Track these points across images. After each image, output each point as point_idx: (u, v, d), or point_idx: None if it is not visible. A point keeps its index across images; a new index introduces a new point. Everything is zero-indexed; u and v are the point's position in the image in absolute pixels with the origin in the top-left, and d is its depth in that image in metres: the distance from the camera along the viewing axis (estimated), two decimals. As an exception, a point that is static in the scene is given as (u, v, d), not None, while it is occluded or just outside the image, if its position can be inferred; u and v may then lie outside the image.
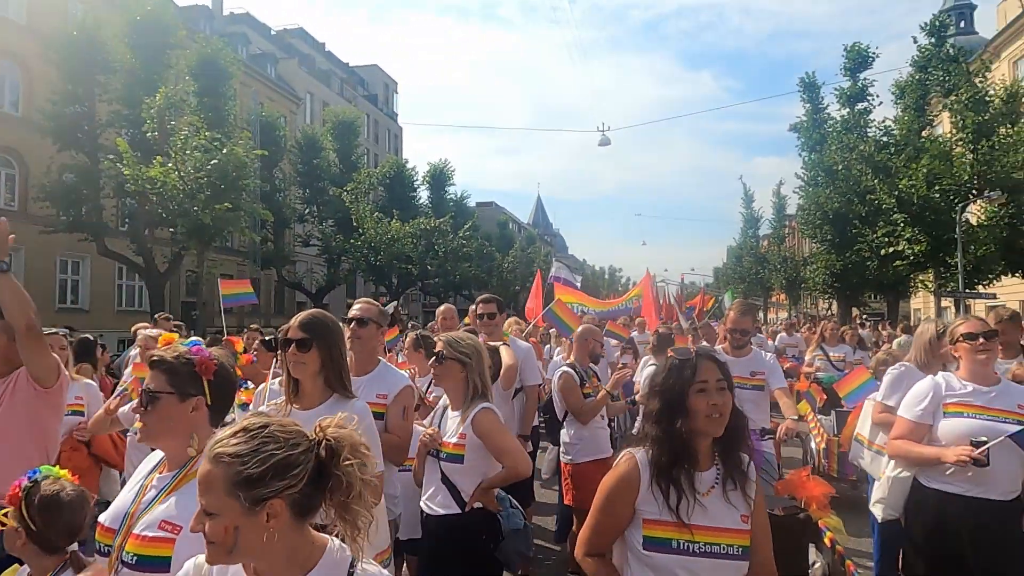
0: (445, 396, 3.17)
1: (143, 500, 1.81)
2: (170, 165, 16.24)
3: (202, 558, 1.45)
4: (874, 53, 25.71)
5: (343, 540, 1.39)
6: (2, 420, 3.01)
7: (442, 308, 5.70)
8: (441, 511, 2.90)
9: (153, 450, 2.03)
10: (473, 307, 5.15)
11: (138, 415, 1.87)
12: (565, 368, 4.68)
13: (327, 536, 1.41)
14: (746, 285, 46.04)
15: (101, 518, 1.88)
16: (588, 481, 4.50)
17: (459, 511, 2.87)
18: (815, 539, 3.79)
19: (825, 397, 6.82)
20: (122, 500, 1.88)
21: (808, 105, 28.37)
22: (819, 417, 6.06)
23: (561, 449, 4.67)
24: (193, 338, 2.39)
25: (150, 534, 1.70)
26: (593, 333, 4.93)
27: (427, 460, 3.01)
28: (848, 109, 26.15)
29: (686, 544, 1.87)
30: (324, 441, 1.35)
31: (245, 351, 5.01)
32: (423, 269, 31.55)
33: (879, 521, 3.58)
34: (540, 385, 5.20)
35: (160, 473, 1.88)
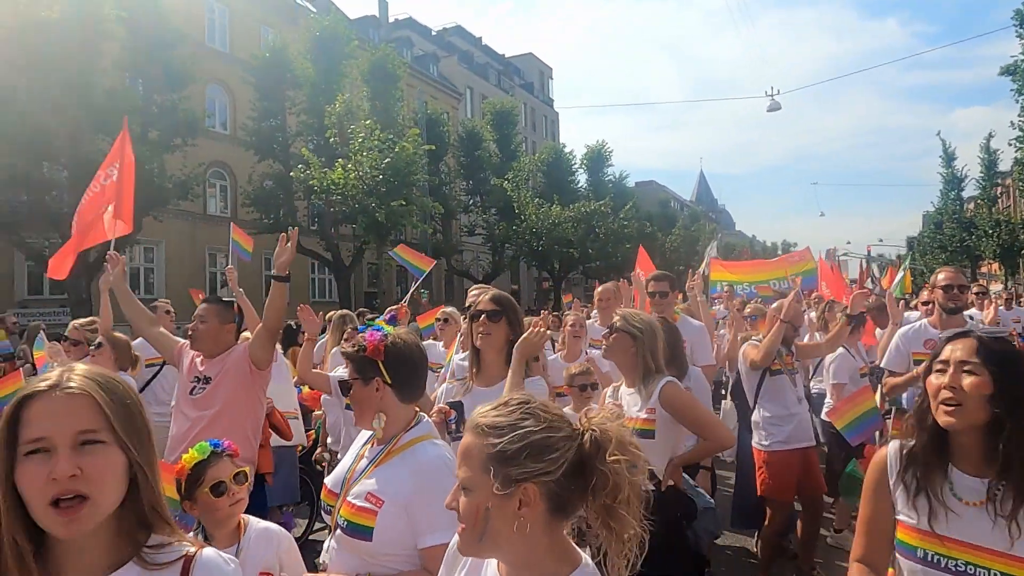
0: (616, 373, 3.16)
1: (357, 468, 1.99)
2: (350, 167, 17.70)
3: None
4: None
5: (605, 551, 1.24)
6: (221, 393, 3.47)
7: (599, 289, 5.55)
8: None
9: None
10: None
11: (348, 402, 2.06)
12: (753, 340, 4.42)
13: (582, 552, 1.29)
14: (948, 255, 40.75)
15: (326, 480, 2.10)
16: (784, 470, 4.12)
17: (652, 487, 2.82)
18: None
19: None
20: (342, 465, 2.08)
21: (1025, 41, 24.33)
22: None
23: (755, 435, 4.36)
24: (376, 322, 2.57)
25: (358, 503, 1.85)
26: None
27: None
28: (1080, 40, 22.08)
29: (934, 557, 1.57)
30: (590, 432, 1.24)
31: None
32: (584, 252, 31.58)
33: None
34: (714, 366, 4.96)
35: (371, 445, 2.04)
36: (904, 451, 1.69)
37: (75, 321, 5.14)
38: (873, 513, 1.72)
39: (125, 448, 1.10)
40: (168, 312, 5.49)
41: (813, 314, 9.16)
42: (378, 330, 2.07)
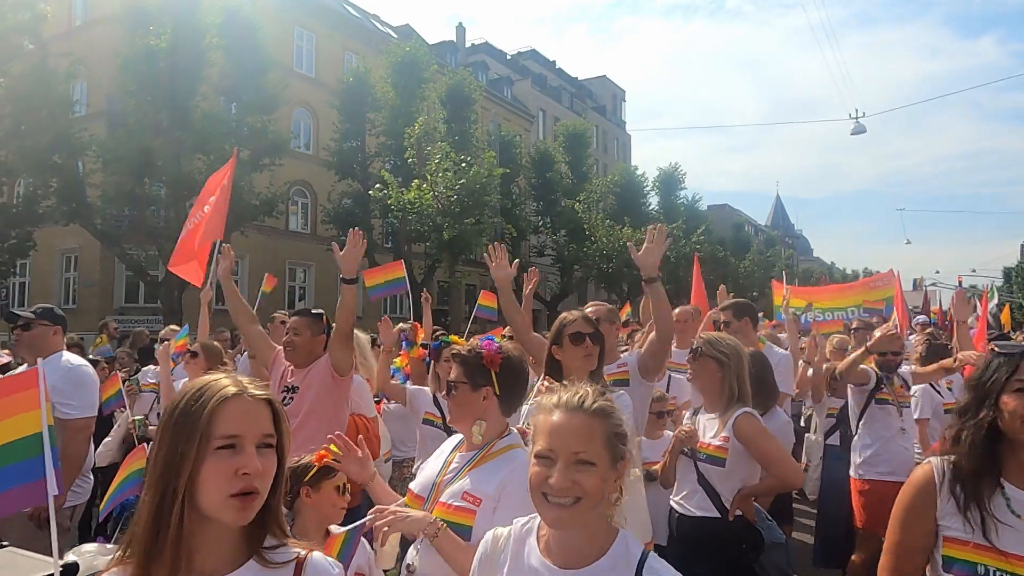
0: (698, 396, 3.12)
1: (447, 473, 2.04)
2: (425, 187, 18.18)
3: (500, 530, 1.54)
4: None
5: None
6: (306, 402, 3.59)
7: (678, 311, 5.43)
8: (698, 512, 2.85)
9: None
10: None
11: (448, 401, 2.11)
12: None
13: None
14: (1051, 288, 37.96)
15: (411, 485, 2.15)
16: (885, 501, 3.95)
17: (718, 515, 2.79)
18: None
19: None
20: (429, 472, 2.13)
21: None
22: None
23: (853, 463, 4.17)
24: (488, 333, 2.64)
25: (455, 503, 1.91)
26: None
27: (681, 459, 2.98)
28: None
29: (996, 572, 1.54)
30: None
31: (424, 346, 4.86)
32: (654, 276, 31.12)
33: None
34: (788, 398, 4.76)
35: (461, 452, 2.10)
36: (953, 464, 1.65)
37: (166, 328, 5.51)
38: (915, 534, 1.68)
39: (280, 455, 1.22)
40: (284, 323, 5.27)
41: (914, 338, 8.59)
42: (491, 340, 2.13)
